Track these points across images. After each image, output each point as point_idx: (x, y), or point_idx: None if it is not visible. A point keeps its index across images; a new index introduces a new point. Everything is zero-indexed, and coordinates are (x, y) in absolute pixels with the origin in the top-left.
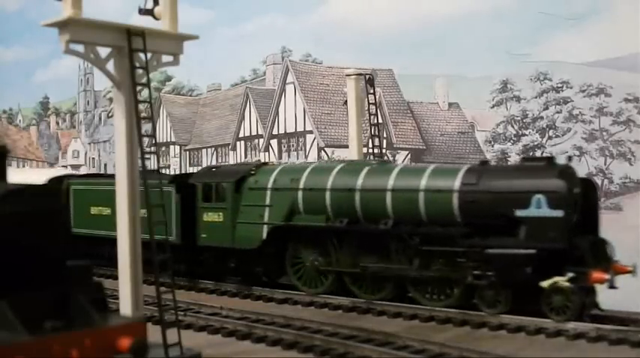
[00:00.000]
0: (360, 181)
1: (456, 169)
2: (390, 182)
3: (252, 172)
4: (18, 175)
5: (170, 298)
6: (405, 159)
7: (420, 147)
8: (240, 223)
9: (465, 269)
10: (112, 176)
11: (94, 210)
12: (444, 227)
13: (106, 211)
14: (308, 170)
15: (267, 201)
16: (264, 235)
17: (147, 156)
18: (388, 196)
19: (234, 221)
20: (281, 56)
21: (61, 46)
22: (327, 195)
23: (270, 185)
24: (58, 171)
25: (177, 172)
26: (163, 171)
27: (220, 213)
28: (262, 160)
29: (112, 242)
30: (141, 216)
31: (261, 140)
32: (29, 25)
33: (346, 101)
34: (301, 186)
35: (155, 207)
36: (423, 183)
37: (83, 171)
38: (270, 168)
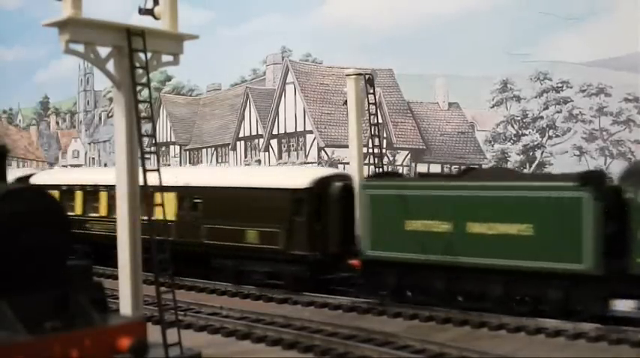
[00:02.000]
0: None
1: None
2: None
3: None
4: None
5: (170, 298)
6: (404, 159)
7: (420, 147)
8: None
9: None
10: (438, 177)
11: (411, 225)
12: None
13: (442, 227)
14: None
15: None
16: None
17: (147, 156)
18: None
19: None
20: (281, 56)
21: (61, 46)
22: None
23: None
24: (324, 170)
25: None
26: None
27: None
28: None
29: (458, 271)
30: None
31: (261, 140)
32: (29, 24)
33: (346, 101)
34: None
35: (157, 206)
36: None
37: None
38: None
